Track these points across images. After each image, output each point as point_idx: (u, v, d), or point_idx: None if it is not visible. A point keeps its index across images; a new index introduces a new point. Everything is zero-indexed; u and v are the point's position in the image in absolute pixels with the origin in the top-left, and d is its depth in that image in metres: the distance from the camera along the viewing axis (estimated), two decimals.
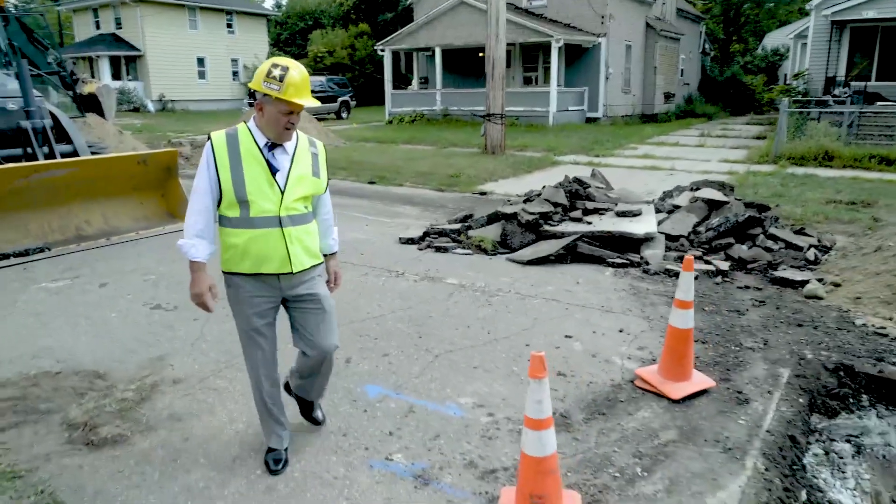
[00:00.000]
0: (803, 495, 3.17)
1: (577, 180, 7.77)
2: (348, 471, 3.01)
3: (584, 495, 2.84)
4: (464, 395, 3.76)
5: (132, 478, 2.99)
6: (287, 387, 3.30)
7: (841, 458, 3.70)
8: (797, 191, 10.06)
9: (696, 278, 5.80)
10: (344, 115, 30.64)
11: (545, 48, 21.39)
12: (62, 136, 8.49)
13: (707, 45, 34.18)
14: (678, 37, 27.00)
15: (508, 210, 7.00)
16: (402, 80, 29.67)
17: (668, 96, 26.74)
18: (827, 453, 3.66)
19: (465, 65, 24.21)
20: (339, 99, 30.47)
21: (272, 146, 2.69)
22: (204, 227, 2.72)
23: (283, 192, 2.69)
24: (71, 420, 3.50)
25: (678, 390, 3.68)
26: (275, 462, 3.01)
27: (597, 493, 2.87)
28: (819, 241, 6.78)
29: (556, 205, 7.07)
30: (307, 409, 3.31)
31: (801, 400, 3.78)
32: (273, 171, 2.68)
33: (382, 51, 25.55)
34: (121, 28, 36.06)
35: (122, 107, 34.77)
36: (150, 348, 4.43)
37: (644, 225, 6.61)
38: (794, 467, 3.30)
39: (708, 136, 19.17)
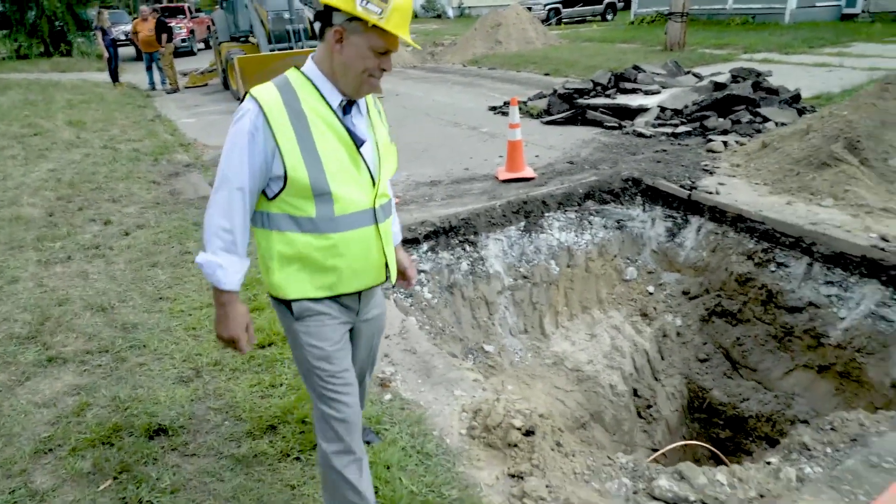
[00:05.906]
0: (522, 225, 5.81)
1: (636, 67, 9.65)
2: None
3: (399, 202, 6.01)
4: (408, 171, 7.00)
5: None
6: None
7: (590, 223, 6.07)
8: None
9: (650, 136, 7.78)
10: (609, 17, 31.93)
11: None
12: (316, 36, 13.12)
13: None
14: None
15: (556, 87, 9.43)
16: None
17: None
18: (581, 219, 6.06)
19: None
20: (605, 1, 31.80)
21: (347, 104, 1.87)
22: (239, 236, 1.81)
23: (373, 175, 1.92)
24: None
25: (504, 176, 6.40)
26: None
27: (403, 203, 6.00)
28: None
29: (596, 84, 9.26)
30: None
31: (581, 190, 6.15)
32: (358, 143, 1.87)
33: None
34: None
35: (427, 14, 41.18)
36: None
37: (645, 100, 8.52)
38: (534, 215, 5.88)
39: None
